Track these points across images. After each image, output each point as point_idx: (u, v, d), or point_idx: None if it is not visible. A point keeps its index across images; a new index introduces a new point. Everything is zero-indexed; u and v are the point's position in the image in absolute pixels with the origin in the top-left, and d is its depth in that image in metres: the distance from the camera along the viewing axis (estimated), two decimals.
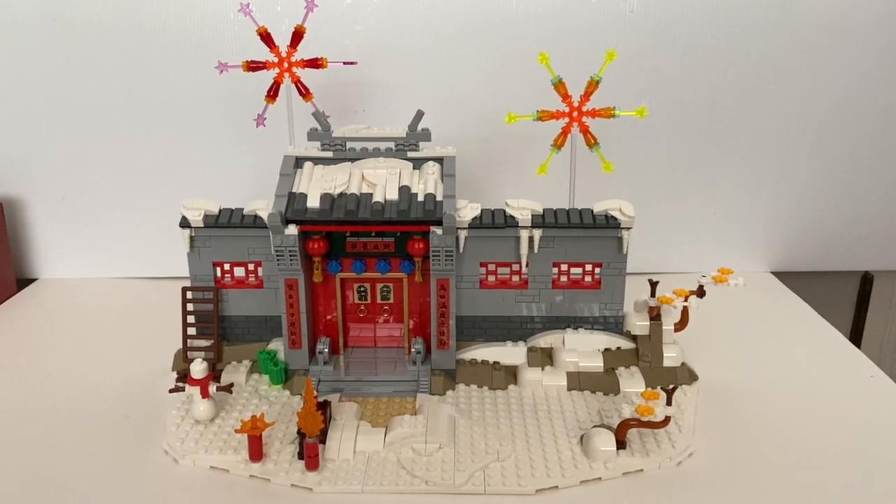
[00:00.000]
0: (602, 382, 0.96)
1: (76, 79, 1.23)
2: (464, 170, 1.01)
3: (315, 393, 0.84)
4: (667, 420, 0.82)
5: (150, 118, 1.25)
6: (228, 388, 0.89)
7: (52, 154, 1.28)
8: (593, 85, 0.94)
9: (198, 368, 0.87)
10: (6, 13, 1.20)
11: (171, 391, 0.88)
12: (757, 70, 1.25)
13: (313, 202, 0.92)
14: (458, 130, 1.16)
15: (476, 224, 0.95)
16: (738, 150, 1.31)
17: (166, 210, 1.21)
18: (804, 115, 1.29)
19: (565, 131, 0.95)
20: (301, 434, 0.81)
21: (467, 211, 0.95)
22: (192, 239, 0.98)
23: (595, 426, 0.85)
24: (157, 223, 1.28)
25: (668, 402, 0.82)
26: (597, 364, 0.97)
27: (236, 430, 0.81)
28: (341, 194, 0.93)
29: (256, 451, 0.81)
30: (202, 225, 0.97)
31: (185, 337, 0.99)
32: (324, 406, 0.86)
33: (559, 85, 0.94)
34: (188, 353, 0.99)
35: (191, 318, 1.00)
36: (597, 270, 0.99)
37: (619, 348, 0.99)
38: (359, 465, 0.81)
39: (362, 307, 1.02)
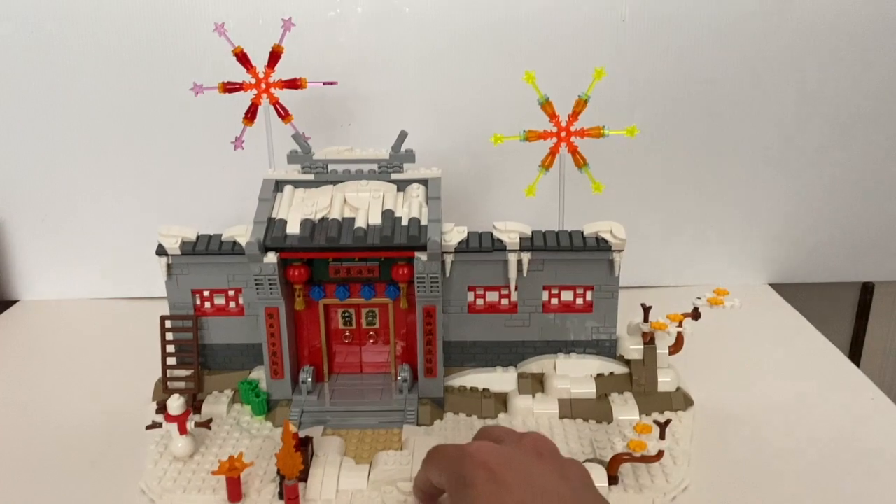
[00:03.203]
0: (595, 410, 0.93)
1: (55, 98, 1.20)
2: (452, 185, 0.99)
3: (295, 430, 0.81)
4: (660, 454, 0.79)
5: (130, 139, 1.22)
6: (207, 425, 0.86)
7: (32, 173, 1.25)
8: (581, 104, 0.90)
9: (175, 405, 0.84)
10: None
11: (147, 428, 0.85)
12: (752, 79, 1.22)
13: (293, 228, 0.89)
14: (447, 144, 1.13)
15: (463, 248, 0.92)
16: (734, 161, 1.28)
17: (148, 230, 1.17)
18: (802, 125, 1.26)
19: (553, 152, 0.92)
20: (281, 475, 0.78)
21: (453, 234, 0.92)
22: (169, 266, 0.95)
23: (586, 460, 0.82)
24: (139, 243, 1.20)
25: (662, 436, 0.79)
26: (589, 390, 0.94)
27: (213, 472, 0.78)
28: (322, 219, 0.90)
29: (235, 493, 0.78)
30: (179, 253, 0.93)
31: (165, 367, 0.96)
32: (305, 443, 0.83)
33: (546, 105, 0.90)
34: (168, 382, 0.96)
35: (171, 348, 0.97)
36: (588, 293, 0.96)
37: (612, 373, 0.96)
38: None
39: (347, 333, 0.99)
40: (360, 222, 0.89)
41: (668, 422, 0.79)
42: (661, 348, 0.96)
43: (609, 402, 0.93)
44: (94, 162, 1.24)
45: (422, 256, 0.87)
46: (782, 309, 1.28)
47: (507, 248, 0.92)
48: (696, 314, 0.95)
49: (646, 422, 0.81)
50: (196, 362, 0.96)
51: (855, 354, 1.44)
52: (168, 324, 0.97)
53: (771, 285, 1.36)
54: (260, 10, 1.10)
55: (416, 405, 0.93)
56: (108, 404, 0.99)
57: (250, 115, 0.96)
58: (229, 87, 0.94)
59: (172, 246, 0.93)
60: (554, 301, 0.96)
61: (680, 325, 0.94)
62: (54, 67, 1.18)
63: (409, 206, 0.91)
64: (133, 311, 1.28)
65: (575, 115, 0.91)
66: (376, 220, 0.89)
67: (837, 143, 1.27)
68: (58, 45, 1.17)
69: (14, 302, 1.33)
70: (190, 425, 0.85)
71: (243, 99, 1.00)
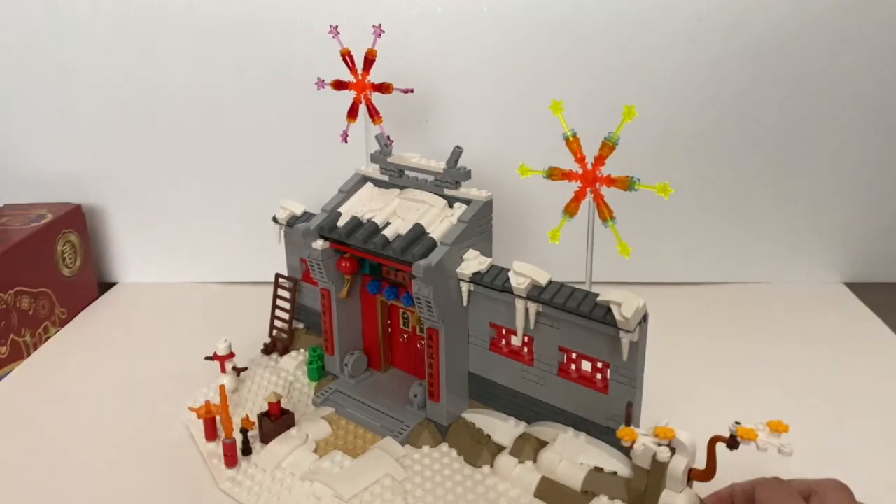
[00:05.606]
0: (571, 503, 0.78)
1: (155, 89, 1.27)
2: (514, 203, 0.95)
3: (279, 398, 0.90)
4: None
5: (225, 128, 1.28)
6: (239, 371, 1.00)
7: (130, 163, 1.33)
8: (607, 149, 0.73)
9: (221, 347, 1.00)
10: (81, 20, 1.23)
11: (206, 358, 1.02)
12: (832, 70, 1.18)
13: (342, 223, 0.94)
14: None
15: (477, 280, 0.85)
16: (810, 153, 1.24)
17: (242, 215, 1.33)
18: (881, 115, 1.21)
19: (578, 197, 0.77)
20: (243, 430, 0.88)
21: (472, 264, 0.86)
22: (283, 234, 1.09)
23: None
24: (233, 229, 1.34)
25: None
26: (575, 480, 0.79)
27: (189, 408, 0.92)
28: (369, 220, 0.93)
29: (210, 432, 0.91)
30: (286, 224, 1.07)
31: (273, 317, 1.13)
32: (284, 413, 0.91)
33: (572, 141, 0.76)
34: (272, 331, 1.12)
35: (281, 303, 1.12)
36: (608, 371, 0.80)
37: (614, 473, 0.79)
38: (268, 481, 0.85)
39: (404, 334, 1.01)
40: (390, 230, 0.90)
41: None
42: (678, 464, 0.74)
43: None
44: (190, 150, 1.31)
45: (418, 275, 0.85)
46: (859, 312, 1.21)
47: (514, 293, 0.82)
48: (732, 442, 0.71)
49: None
50: (290, 320, 1.10)
51: None
52: (280, 282, 1.12)
53: (846, 284, 1.30)
54: (357, 12, 1.13)
55: (413, 424, 0.91)
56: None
57: (352, 113, 1.02)
58: (338, 85, 1.02)
59: (282, 218, 1.07)
60: (573, 367, 0.83)
61: (712, 447, 0.72)
62: (153, 58, 1.24)
63: (441, 225, 0.88)
64: (228, 294, 1.36)
65: (600, 160, 0.74)
66: (406, 231, 0.89)
67: None
68: (159, 36, 1.22)
69: (114, 284, 1.43)
70: (229, 367, 1.00)
71: (330, 97, 1.04)
